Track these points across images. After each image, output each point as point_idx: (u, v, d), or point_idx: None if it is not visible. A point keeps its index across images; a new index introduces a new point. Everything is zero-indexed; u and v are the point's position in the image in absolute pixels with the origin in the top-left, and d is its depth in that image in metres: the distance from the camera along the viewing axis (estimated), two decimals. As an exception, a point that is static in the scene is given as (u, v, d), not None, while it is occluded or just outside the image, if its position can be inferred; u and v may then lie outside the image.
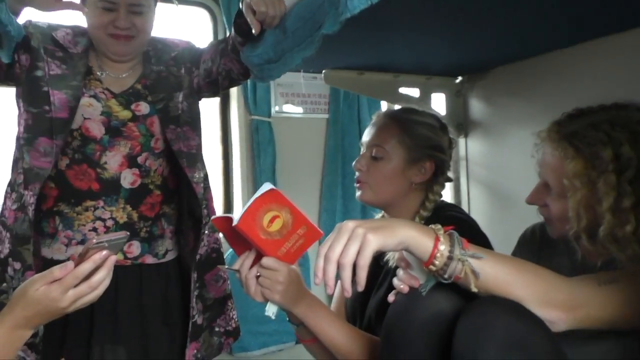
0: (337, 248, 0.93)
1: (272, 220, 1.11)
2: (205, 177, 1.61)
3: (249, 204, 1.10)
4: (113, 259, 1.00)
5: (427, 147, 1.40)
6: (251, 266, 1.18)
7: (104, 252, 0.98)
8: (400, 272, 1.05)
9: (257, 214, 1.10)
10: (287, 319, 1.29)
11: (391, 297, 1.06)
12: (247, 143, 2.95)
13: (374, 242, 0.93)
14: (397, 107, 1.54)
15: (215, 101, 2.94)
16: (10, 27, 1.04)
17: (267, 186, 1.12)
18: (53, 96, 1.42)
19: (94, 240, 0.97)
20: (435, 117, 1.47)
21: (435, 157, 1.40)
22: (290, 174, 3.05)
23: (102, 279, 0.99)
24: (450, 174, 1.47)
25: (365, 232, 0.92)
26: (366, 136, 1.45)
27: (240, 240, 1.16)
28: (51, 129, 1.40)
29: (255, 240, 1.12)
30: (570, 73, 1.70)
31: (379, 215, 1.56)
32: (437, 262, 0.93)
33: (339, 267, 0.94)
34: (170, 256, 1.59)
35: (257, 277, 1.17)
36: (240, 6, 1.41)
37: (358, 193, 1.44)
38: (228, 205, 2.96)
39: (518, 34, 1.55)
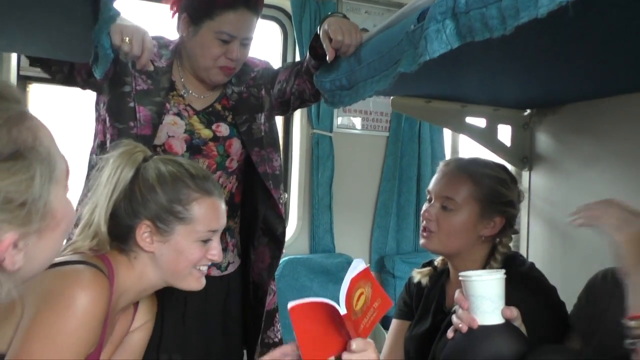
0: None
1: (358, 298, 1.07)
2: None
3: (346, 286, 1.03)
4: None
5: (499, 203, 1.40)
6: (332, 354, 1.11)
7: None
8: (459, 311, 1.07)
9: (351, 295, 1.04)
10: None
11: (450, 334, 1.09)
12: (307, 156, 3.00)
13: None
14: (461, 151, 1.53)
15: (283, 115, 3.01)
16: (109, 50, 1.11)
17: (359, 264, 1.08)
18: (139, 113, 1.46)
19: None
20: (504, 169, 1.47)
21: (506, 212, 1.41)
22: (347, 189, 3.08)
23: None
24: (517, 227, 1.48)
25: None
26: (435, 185, 1.44)
27: (313, 334, 1.07)
28: None
29: (349, 326, 1.05)
30: (644, 117, 1.65)
31: (438, 260, 1.57)
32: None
33: None
34: (231, 269, 1.64)
35: None
36: (318, 30, 1.45)
37: (423, 241, 1.44)
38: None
39: (592, 73, 1.52)
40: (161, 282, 1.18)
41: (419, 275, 1.57)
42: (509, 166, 2.08)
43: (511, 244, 1.48)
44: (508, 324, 1.06)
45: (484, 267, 1.39)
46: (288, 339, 2.54)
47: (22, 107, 0.70)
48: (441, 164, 1.49)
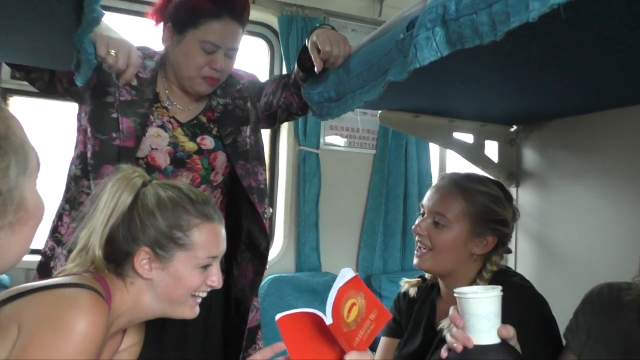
0: None
1: (350, 309, 1.05)
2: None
3: (334, 296, 1.03)
4: None
5: (491, 221, 1.36)
6: None
7: None
8: (453, 329, 1.03)
9: (340, 305, 1.03)
10: None
11: (444, 353, 1.04)
12: (294, 173, 2.98)
13: None
14: (458, 168, 1.50)
15: (266, 130, 2.99)
16: (92, 55, 1.08)
17: (347, 272, 1.06)
18: (122, 124, 1.43)
19: None
20: (500, 186, 1.44)
21: (499, 231, 1.37)
22: (333, 206, 3.06)
23: None
24: (510, 246, 1.44)
25: None
26: (428, 200, 1.42)
27: (303, 345, 1.07)
28: (118, 157, 1.41)
29: (340, 337, 1.05)
30: (631, 132, 1.66)
31: (428, 275, 1.54)
32: None
33: None
34: None
35: None
36: (306, 42, 1.44)
37: (416, 261, 1.41)
38: (269, 232, 2.97)
39: (578, 88, 1.52)
40: (156, 311, 1.15)
41: (407, 285, 1.55)
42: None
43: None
44: (504, 343, 1.02)
45: (472, 283, 1.35)
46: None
47: None
48: (438, 179, 1.47)
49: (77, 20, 0.97)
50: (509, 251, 1.45)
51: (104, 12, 0.94)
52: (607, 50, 1.14)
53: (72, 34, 1.03)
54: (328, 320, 1.01)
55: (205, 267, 1.15)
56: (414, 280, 1.55)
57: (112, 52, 1.28)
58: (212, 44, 1.44)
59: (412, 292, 1.53)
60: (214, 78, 1.49)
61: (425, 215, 1.41)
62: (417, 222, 1.42)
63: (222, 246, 1.19)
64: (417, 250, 1.41)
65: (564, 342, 1.31)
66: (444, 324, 1.29)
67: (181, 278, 1.12)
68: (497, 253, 1.39)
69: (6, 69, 2.42)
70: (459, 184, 1.39)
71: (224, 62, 1.48)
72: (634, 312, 1.14)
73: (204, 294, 1.18)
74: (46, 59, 1.32)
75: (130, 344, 1.23)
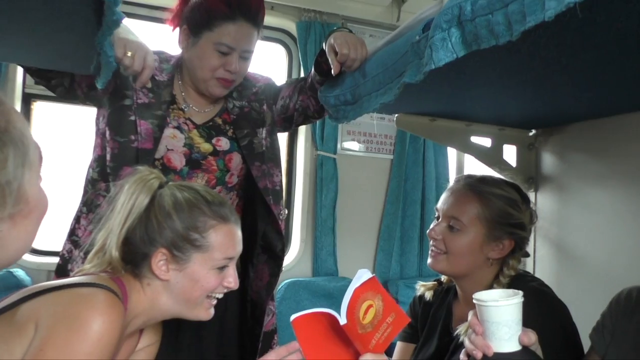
0: None
1: (366, 311, 1.05)
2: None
3: (349, 296, 1.03)
4: None
5: (507, 225, 1.33)
6: None
7: None
8: (472, 335, 1.01)
9: (355, 306, 1.04)
10: None
11: (463, 358, 1.04)
12: (311, 177, 2.99)
13: None
14: (474, 170, 1.48)
15: (284, 134, 3.01)
16: (112, 58, 1.10)
17: (364, 273, 1.06)
18: (140, 126, 1.45)
19: None
20: (517, 188, 1.41)
21: (515, 234, 1.34)
22: (350, 211, 3.06)
23: None
24: (528, 249, 1.41)
25: None
26: (443, 204, 1.40)
27: (319, 345, 1.09)
28: (136, 159, 1.42)
29: (354, 338, 1.06)
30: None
31: (444, 278, 1.53)
32: None
33: None
34: None
35: None
36: (324, 46, 1.45)
37: (430, 260, 1.40)
38: (286, 238, 2.99)
39: (598, 91, 1.50)
40: (172, 311, 1.15)
41: (422, 288, 1.53)
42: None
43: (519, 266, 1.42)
44: (525, 350, 1.00)
45: (489, 287, 1.33)
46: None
47: None
48: (452, 181, 1.45)
49: (97, 23, 0.98)
50: (527, 255, 1.43)
51: (124, 15, 0.96)
52: (626, 51, 1.13)
53: (92, 37, 1.04)
54: (342, 320, 1.01)
55: (222, 268, 1.15)
56: (430, 283, 1.53)
57: (129, 53, 1.30)
58: (227, 45, 1.45)
59: (428, 295, 1.51)
60: (229, 80, 1.50)
61: (440, 219, 1.39)
62: (431, 226, 1.41)
63: (239, 247, 1.19)
64: (431, 252, 1.40)
65: (585, 345, 1.30)
66: (460, 329, 1.28)
67: (198, 279, 1.12)
68: (515, 257, 1.36)
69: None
70: (474, 187, 1.37)
71: (239, 64, 1.49)
72: None
73: (220, 295, 1.18)
74: (67, 62, 1.34)
75: (148, 343, 1.24)
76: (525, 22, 0.83)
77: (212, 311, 1.18)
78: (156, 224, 1.11)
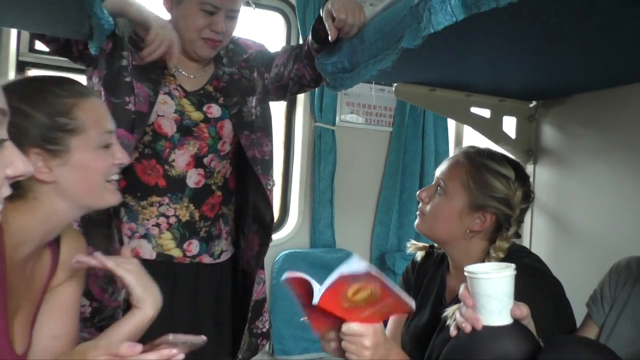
0: None
1: (357, 291, 1.02)
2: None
3: (331, 279, 1.00)
4: (179, 357, 0.95)
5: (490, 198, 1.30)
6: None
7: (174, 351, 0.93)
8: (463, 308, 1.00)
9: (340, 290, 1.01)
10: None
11: (453, 331, 1.02)
12: (310, 149, 2.97)
13: None
14: (477, 145, 1.42)
15: (282, 105, 2.98)
16: (103, 20, 1.08)
17: (356, 264, 1.00)
18: (136, 88, 1.43)
19: (171, 337, 0.96)
20: (515, 167, 1.36)
21: (498, 210, 1.31)
22: (349, 183, 3.04)
23: None
24: (520, 231, 1.36)
25: None
26: (439, 168, 1.39)
27: (309, 306, 1.07)
28: (132, 122, 1.41)
29: (337, 312, 1.05)
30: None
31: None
32: None
33: None
34: (224, 257, 1.61)
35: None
36: (321, 12, 1.42)
37: (416, 221, 1.40)
38: (284, 209, 2.98)
39: (599, 62, 1.48)
40: (74, 212, 1.07)
41: (413, 247, 1.52)
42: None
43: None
44: (517, 324, 0.98)
45: (483, 261, 1.30)
46: (277, 328, 2.50)
47: None
48: (455, 149, 1.45)
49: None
50: (518, 236, 1.38)
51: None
52: (629, 19, 1.10)
53: (83, 2, 1.02)
54: (315, 299, 1.00)
55: (106, 146, 1.08)
56: (421, 244, 1.52)
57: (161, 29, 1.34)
58: (212, 5, 1.43)
59: (419, 256, 1.51)
60: (215, 40, 1.48)
61: (433, 183, 1.39)
62: (423, 188, 1.41)
63: (111, 120, 1.11)
64: (418, 211, 1.40)
65: (578, 316, 1.30)
66: (448, 312, 1.27)
67: (87, 165, 1.04)
68: (502, 237, 1.32)
69: (24, 42, 2.43)
70: (468, 155, 1.36)
71: (225, 23, 1.46)
72: None
73: (117, 177, 1.12)
74: (60, 27, 1.31)
75: (69, 274, 1.14)
76: (527, -17, 0.81)
77: (118, 194, 1.11)
78: (15, 128, 0.93)
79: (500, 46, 1.36)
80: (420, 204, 1.39)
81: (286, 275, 1.07)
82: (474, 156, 1.35)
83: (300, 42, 2.85)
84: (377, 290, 1.02)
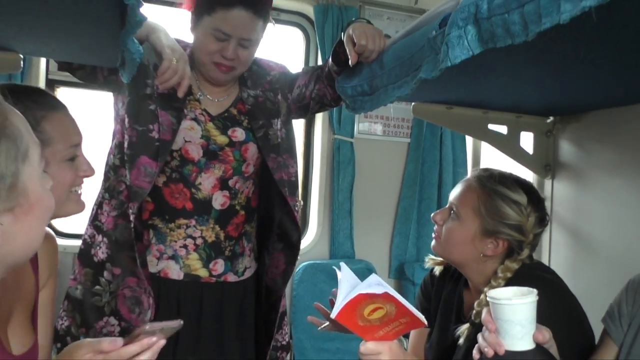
0: None
1: (373, 311, 1.06)
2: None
3: (351, 295, 1.03)
4: (161, 343, 0.99)
5: (502, 225, 1.31)
6: None
7: (154, 338, 0.97)
8: (486, 332, 1.02)
9: (358, 306, 1.05)
10: None
11: (476, 355, 1.04)
12: (328, 161, 3.01)
13: None
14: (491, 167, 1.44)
15: (301, 119, 3.02)
16: (136, 54, 1.13)
17: (375, 284, 1.04)
18: (161, 117, 1.46)
19: (147, 327, 0.99)
20: (528, 191, 1.36)
21: (510, 236, 1.31)
22: (367, 195, 3.08)
23: None
24: (533, 255, 1.37)
25: None
26: (453, 191, 1.42)
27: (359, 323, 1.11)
28: (156, 150, 1.44)
29: (352, 328, 1.09)
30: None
31: None
32: None
33: None
34: (248, 273, 1.65)
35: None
36: (342, 36, 1.46)
37: (433, 243, 1.43)
38: (304, 221, 3.02)
39: (616, 80, 1.50)
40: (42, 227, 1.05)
41: (431, 261, 1.54)
42: (532, 175, 2.06)
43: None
44: (539, 348, 1.00)
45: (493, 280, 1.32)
46: (299, 339, 2.52)
47: None
48: (470, 173, 1.46)
49: (121, 22, 1.01)
50: (531, 259, 1.37)
51: (146, 17, 0.99)
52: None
53: (117, 36, 1.08)
54: (333, 314, 1.05)
55: (72, 159, 1.08)
56: (439, 259, 1.53)
57: (174, 60, 1.36)
58: (222, 32, 1.44)
59: (438, 270, 1.52)
60: (226, 65, 1.49)
61: (447, 206, 1.42)
62: (438, 210, 1.45)
63: (80, 134, 1.11)
64: (434, 233, 1.43)
65: (596, 333, 1.30)
66: (461, 329, 1.32)
67: (52, 178, 0.99)
68: (513, 258, 1.32)
69: (53, 61, 2.51)
70: (480, 180, 1.37)
71: (238, 51, 1.47)
72: None
73: (81, 189, 1.12)
74: (93, 57, 1.37)
75: (46, 278, 1.16)
76: (541, 24, 0.84)
77: (83, 203, 1.12)
78: None
79: (517, 70, 1.38)
80: (436, 226, 1.42)
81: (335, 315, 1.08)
82: (486, 181, 1.36)
83: (319, 55, 2.92)
84: (392, 309, 1.06)
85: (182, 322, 1.04)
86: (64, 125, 1.09)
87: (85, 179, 1.14)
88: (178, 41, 1.57)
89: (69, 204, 1.10)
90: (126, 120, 1.49)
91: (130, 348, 0.95)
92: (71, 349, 0.99)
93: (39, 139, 0.96)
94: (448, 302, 1.49)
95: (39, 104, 1.05)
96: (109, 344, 0.94)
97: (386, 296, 1.04)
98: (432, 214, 1.44)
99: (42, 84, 2.50)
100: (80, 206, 1.13)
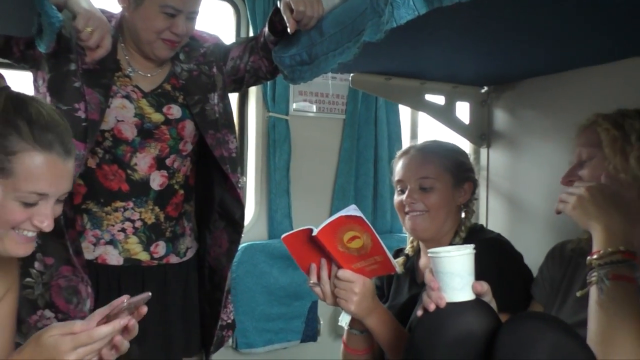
0: None
1: (351, 239, 1.13)
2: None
3: (332, 218, 1.12)
4: (131, 323, 0.97)
5: (464, 170, 1.52)
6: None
7: (124, 321, 0.95)
8: (429, 291, 1.07)
9: (338, 229, 1.12)
10: (349, 325, 1.36)
11: (419, 312, 1.09)
12: (263, 140, 2.94)
13: None
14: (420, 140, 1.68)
15: (234, 96, 2.93)
16: (54, 19, 1.03)
17: (353, 209, 1.14)
18: (87, 94, 1.37)
19: (125, 303, 0.96)
20: (455, 145, 1.62)
21: (471, 177, 1.54)
22: (304, 172, 3.04)
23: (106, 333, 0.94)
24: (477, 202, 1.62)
25: None
26: (405, 172, 1.49)
27: (307, 256, 1.22)
28: (84, 131, 1.36)
29: (332, 251, 1.15)
30: (598, 91, 1.68)
31: (408, 248, 1.61)
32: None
33: None
34: (190, 254, 1.60)
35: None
36: (278, 4, 1.40)
37: (411, 225, 1.47)
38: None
39: (548, 48, 1.54)
40: None
41: (411, 250, 1.61)
42: (468, 145, 2.11)
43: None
44: (478, 300, 1.06)
45: (452, 238, 1.46)
46: (240, 321, 2.47)
47: None
48: (400, 154, 1.54)
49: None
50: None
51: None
52: (572, 13, 1.16)
53: (31, -2, 0.97)
54: (315, 231, 1.12)
55: (30, 204, 0.98)
56: (400, 259, 1.60)
57: (89, 29, 1.25)
58: (174, 8, 1.38)
59: (400, 270, 1.58)
60: (174, 41, 1.44)
61: (409, 187, 1.47)
62: (399, 198, 1.49)
63: (61, 186, 1.01)
64: (411, 217, 1.45)
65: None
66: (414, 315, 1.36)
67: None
68: (472, 200, 1.55)
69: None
70: (426, 149, 1.51)
71: (185, 25, 1.42)
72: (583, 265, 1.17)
73: (31, 234, 1.01)
74: (5, 23, 1.25)
75: (2, 293, 1.10)
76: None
77: (28, 247, 1.02)
78: None
79: (456, 36, 1.38)
80: (410, 207, 1.46)
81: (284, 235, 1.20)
82: (430, 147, 1.55)
83: (250, 30, 2.83)
84: (368, 242, 1.14)
85: (150, 293, 1.01)
86: (44, 170, 0.97)
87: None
88: (103, 11, 1.47)
89: (7, 242, 0.99)
90: (48, 99, 1.38)
91: (102, 329, 0.93)
92: (42, 331, 0.95)
93: (2, 165, 0.93)
94: (401, 277, 1.58)
95: (33, 137, 0.96)
96: (81, 325, 0.92)
97: (362, 223, 1.12)
98: (396, 203, 1.51)
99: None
100: (22, 249, 1.01)
